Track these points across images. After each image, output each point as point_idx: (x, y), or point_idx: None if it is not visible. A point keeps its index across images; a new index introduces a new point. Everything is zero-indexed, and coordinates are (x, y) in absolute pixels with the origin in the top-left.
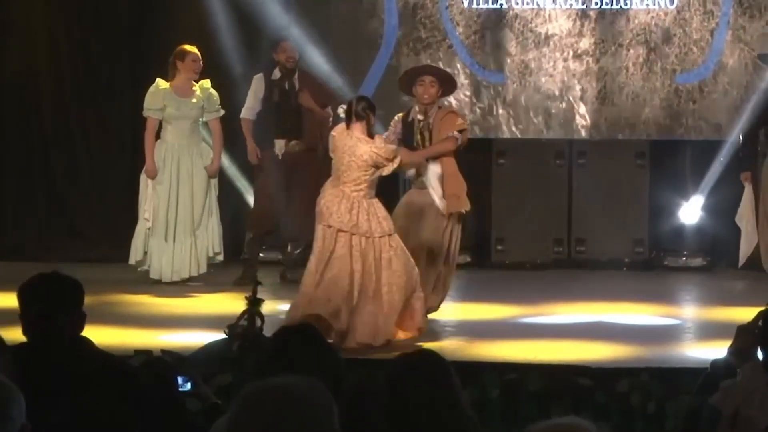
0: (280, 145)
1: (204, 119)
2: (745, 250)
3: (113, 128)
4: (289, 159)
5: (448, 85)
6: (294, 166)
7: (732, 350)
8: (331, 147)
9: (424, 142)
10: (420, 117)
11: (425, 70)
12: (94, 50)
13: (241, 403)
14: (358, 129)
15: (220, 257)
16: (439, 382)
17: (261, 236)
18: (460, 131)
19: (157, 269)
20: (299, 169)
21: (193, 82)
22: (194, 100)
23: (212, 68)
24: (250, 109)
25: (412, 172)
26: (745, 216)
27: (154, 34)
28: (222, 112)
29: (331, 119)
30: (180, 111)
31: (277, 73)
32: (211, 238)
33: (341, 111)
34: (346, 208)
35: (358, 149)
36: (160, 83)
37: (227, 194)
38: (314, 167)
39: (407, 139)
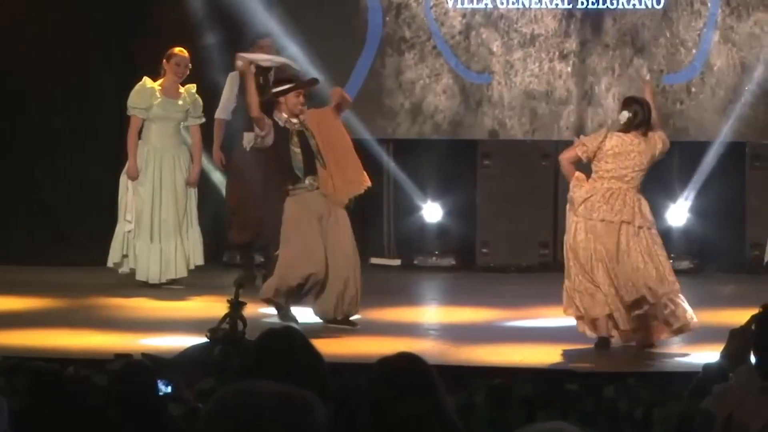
0: (248, 138)
1: (187, 123)
2: None
3: (99, 132)
4: (261, 153)
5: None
6: (267, 160)
7: (725, 354)
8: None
9: (322, 143)
10: (294, 120)
11: (302, 85)
12: (81, 53)
13: (213, 405)
14: (638, 133)
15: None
16: (420, 385)
17: (248, 244)
18: None
19: (144, 271)
20: (272, 163)
21: (180, 85)
22: (180, 102)
23: (197, 71)
24: (223, 108)
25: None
26: None
27: (140, 37)
28: (203, 119)
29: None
30: (166, 111)
31: (252, 69)
32: (191, 249)
33: (624, 116)
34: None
35: (657, 149)
36: (147, 82)
37: (207, 197)
38: None
39: (286, 144)
